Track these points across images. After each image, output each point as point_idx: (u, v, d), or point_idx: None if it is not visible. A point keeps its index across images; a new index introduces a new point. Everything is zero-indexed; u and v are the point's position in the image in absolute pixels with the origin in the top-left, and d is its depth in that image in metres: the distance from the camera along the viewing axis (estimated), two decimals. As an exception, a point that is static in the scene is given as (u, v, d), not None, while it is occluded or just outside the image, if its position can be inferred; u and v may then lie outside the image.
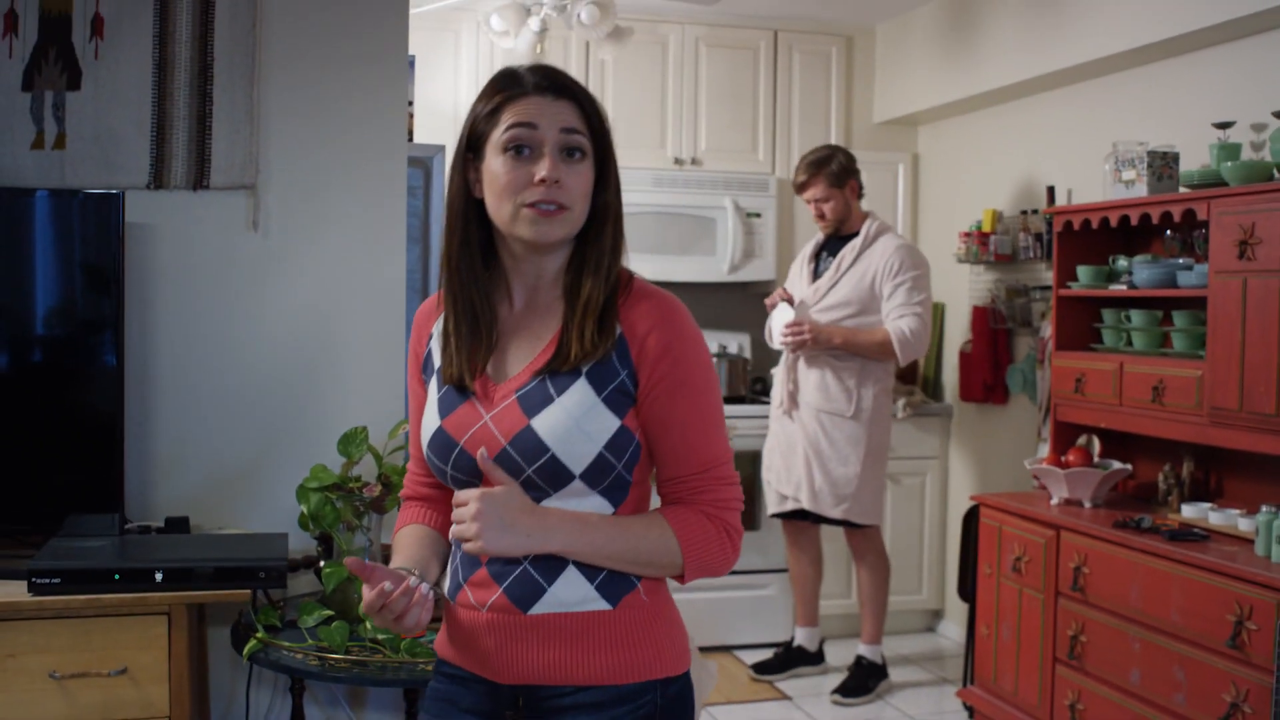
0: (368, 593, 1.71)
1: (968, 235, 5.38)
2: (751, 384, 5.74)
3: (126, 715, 2.49)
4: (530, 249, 1.81)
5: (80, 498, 2.80)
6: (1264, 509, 3.44)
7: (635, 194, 5.53)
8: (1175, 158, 3.99)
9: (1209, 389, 3.64)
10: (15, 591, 2.46)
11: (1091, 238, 4.31)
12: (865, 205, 5.05)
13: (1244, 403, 3.51)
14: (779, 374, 5.02)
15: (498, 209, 1.79)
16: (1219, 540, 3.60)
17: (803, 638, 5.14)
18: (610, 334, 1.79)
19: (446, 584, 1.90)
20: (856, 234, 4.89)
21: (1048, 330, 4.70)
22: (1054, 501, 4.20)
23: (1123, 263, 4.16)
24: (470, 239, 1.83)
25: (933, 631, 5.85)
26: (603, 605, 1.78)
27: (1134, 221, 4.00)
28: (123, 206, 2.80)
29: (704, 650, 4.95)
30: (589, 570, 1.78)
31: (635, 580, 1.80)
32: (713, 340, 5.85)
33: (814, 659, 5.14)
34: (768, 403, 5.56)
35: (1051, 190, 4.93)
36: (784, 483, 4.95)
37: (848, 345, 4.75)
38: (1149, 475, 4.27)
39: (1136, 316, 4.06)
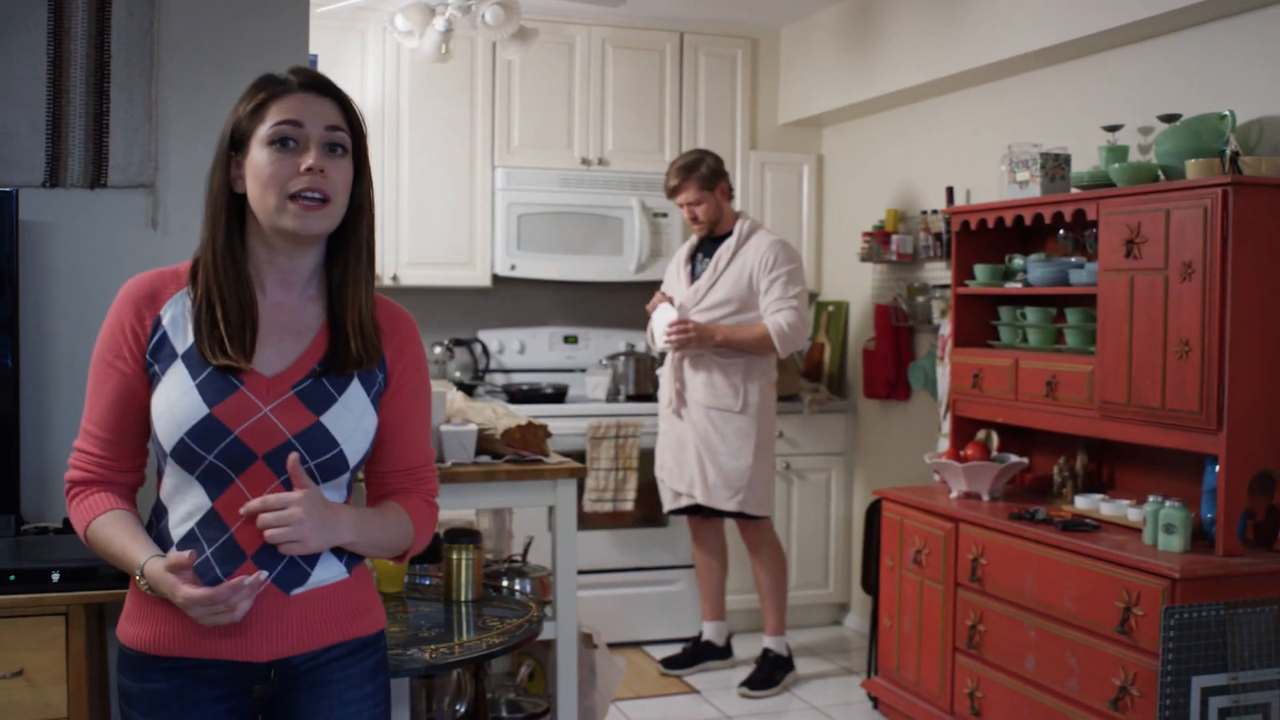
0: (192, 589, 1.78)
1: (870, 235, 5.48)
2: (657, 383, 5.78)
3: (24, 718, 2.45)
4: (290, 242, 1.91)
5: (-25, 500, 2.76)
6: (1151, 499, 3.56)
7: (542, 194, 5.56)
8: (1067, 159, 4.10)
9: (1099, 384, 3.75)
10: (-93, 595, 2.42)
11: (989, 237, 4.41)
12: (738, 205, 5.20)
13: (1132, 396, 3.62)
14: (665, 374, 5.10)
15: (261, 200, 1.88)
16: (1110, 530, 3.72)
17: (710, 632, 5.20)
18: (379, 344, 1.97)
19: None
20: (730, 234, 4.99)
21: (947, 328, 4.80)
22: (953, 495, 4.30)
23: (1018, 261, 4.27)
24: (232, 232, 1.91)
25: (838, 624, 5.94)
26: (345, 575, 1.97)
27: (1028, 221, 4.11)
28: (16, 205, 2.77)
29: (613, 646, 4.98)
30: (340, 549, 1.95)
31: None
32: (619, 339, 5.90)
33: (722, 653, 5.20)
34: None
35: (950, 190, 5.03)
36: (677, 480, 5.02)
37: (729, 342, 4.85)
38: (1045, 468, 4.38)
39: (1031, 314, 4.17)
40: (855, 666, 5.25)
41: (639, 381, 5.64)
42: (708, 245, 5.07)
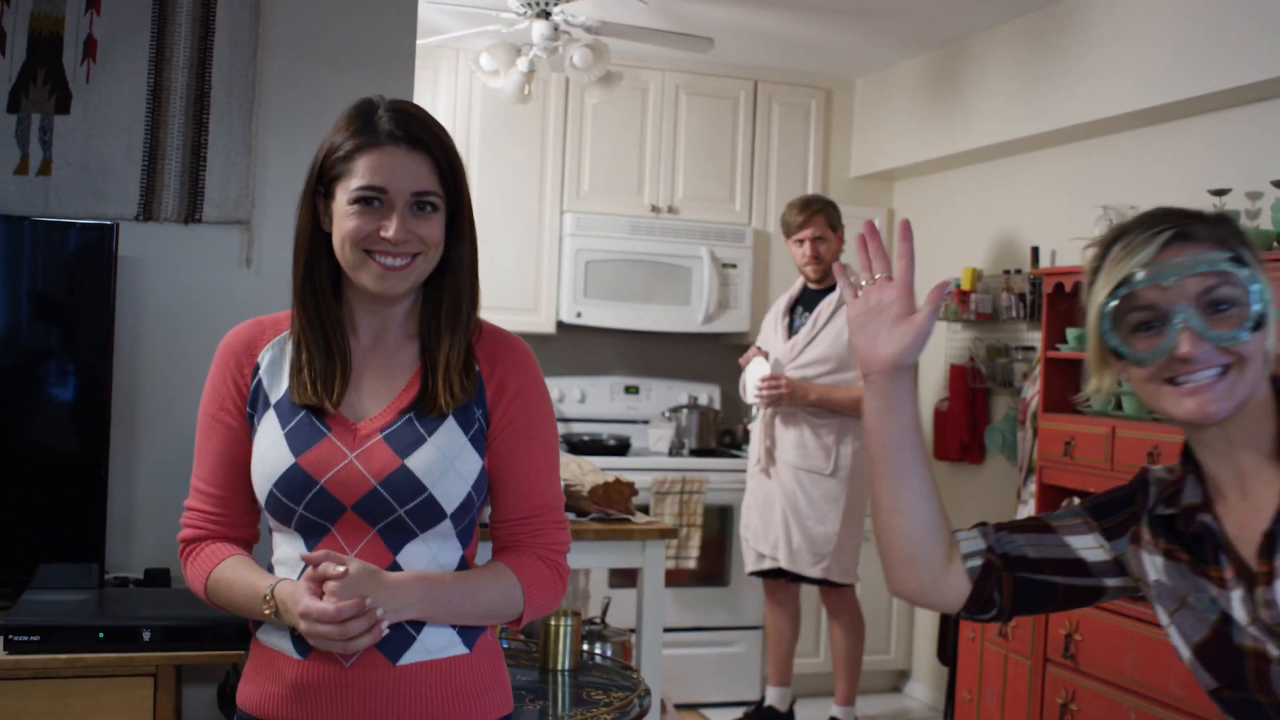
0: (313, 600, 1.64)
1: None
2: (720, 436, 5.65)
3: (105, 784, 2.32)
4: (374, 298, 1.80)
5: (55, 546, 2.63)
6: (1266, 581, 3.39)
7: (611, 240, 5.45)
8: (1170, 222, 3.96)
9: (1207, 457, 3.60)
10: (-12, 649, 2.29)
11: (1080, 299, 4.26)
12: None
13: (1245, 472, 3.47)
14: (755, 431, 4.92)
15: (342, 254, 1.77)
16: (1216, 611, 3.55)
17: (774, 697, 5.03)
18: (474, 379, 1.81)
19: (273, 635, 1.80)
20: (833, 288, 4.82)
21: (1029, 391, 4.65)
22: (1041, 566, 4.14)
23: (1113, 326, 4.12)
24: (318, 269, 1.81)
25: (899, 692, 5.76)
26: (462, 650, 1.79)
27: (1129, 285, 3.96)
28: (116, 239, 2.65)
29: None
30: None
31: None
32: (683, 391, 5.76)
33: (785, 719, 5.02)
34: (737, 455, 5.48)
35: (1035, 251, 4.90)
36: (761, 541, 4.84)
37: (823, 402, 4.67)
38: (1135, 541, 4.22)
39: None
40: (922, 738, 5.07)
41: (702, 435, 5.50)
42: (808, 298, 4.89)
